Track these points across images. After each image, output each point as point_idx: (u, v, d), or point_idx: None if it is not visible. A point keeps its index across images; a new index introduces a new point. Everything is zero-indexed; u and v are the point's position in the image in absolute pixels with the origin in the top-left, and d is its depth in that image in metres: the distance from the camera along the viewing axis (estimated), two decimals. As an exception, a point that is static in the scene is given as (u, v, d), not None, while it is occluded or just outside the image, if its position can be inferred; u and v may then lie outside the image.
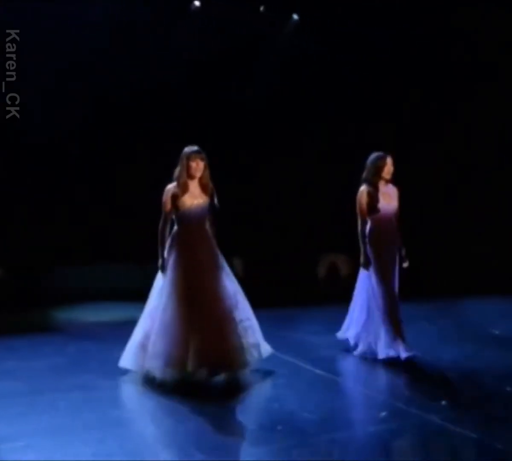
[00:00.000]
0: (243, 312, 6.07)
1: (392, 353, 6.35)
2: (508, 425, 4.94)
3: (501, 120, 10.91)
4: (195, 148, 6.10)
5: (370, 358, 6.47)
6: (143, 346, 5.95)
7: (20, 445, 4.60)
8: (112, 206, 10.15)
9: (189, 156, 6.04)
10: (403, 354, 6.35)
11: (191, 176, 6.07)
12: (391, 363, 6.35)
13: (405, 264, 6.60)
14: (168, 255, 6.02)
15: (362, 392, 5.85)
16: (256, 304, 6.24)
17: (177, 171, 6.10)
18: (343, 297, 7.07)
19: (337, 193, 10.49)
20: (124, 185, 10.19)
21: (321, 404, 5.36)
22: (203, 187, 6.13)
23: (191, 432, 4.81)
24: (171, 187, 6.11)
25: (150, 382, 5.80)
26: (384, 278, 6.47)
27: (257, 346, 6.10)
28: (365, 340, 6.58)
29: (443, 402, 5.35)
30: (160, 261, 6.04)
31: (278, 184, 11.14)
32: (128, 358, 6.09)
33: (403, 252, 6.61)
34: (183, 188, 6.06)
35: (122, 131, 10.05)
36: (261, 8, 10.54)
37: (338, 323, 6.98)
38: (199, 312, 5.83)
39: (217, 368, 5.81)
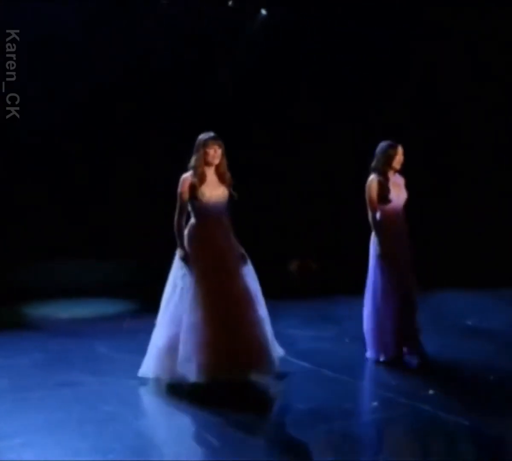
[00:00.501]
0: (263, 311, 5.77)
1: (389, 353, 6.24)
2: (497, 412, 5.10)
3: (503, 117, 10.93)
4: (211, 134, 5.75)
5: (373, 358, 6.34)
6: (169, 352, 5.57)
7: (17, 442, 4.61)
8: (88, 201, 10.06)
9: (206, 143, 5.70)
10: (413, 361, 6.23)
11: (208, 164, 5.72)
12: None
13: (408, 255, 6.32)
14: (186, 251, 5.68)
15: (350, 383, 5.88)
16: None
17: (193, 159, 5.74)
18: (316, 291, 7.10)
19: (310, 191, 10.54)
20: (101, 183, 10.12)
21: (313, 395, 5.45)
22: (221, 176, 5.78)
23: (191, 427, 4.86)
24: (187, 176, 5.74)
25: (173, 388, 5.57)
26: (395, 272, 6.23)
27: (274, 346, 5.82)
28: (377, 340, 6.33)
29: (431, 391, 5.47)
30: (181, 253, 5.67)
31: (252, 183, 11.09)
32: (152, 366, 5.70)
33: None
34: (201, 177, 5.70)
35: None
36: (230, 3, 10.53)
37: (315, 316, 7.03)
38: (226, 312, 5.54)
39: (248, 369, 5.59)
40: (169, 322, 5.64)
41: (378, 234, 6.26)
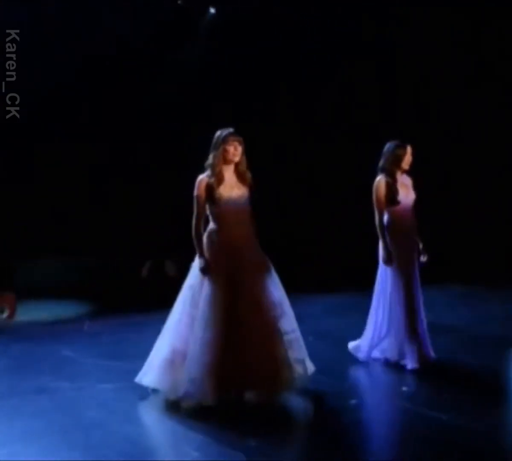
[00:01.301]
0: (288, 323, 5.26)
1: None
2: (474, 407, 5.19)
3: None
4: (231, 129, 5.25)
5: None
6: (172, 364, 5.18)
7: (2, 453, 4.46)
8: (41, 200, 9.87)
9: (226, 139, 5.18)
10: (409, 365, 6.05)
11: (228, 162, 5.23)
12: (345, 351, 6.38)
13: (424, 258, 6.18)
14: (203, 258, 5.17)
15: (325, 382, 5.76)
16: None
17: (210, 157, 5.24)
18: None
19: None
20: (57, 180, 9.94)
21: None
22: (240, 176, 5.27)
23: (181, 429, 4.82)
24: (204, 176, 5.23)
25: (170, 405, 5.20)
26: (404, 275, 6.04)
27: (302, 362, 5.33)
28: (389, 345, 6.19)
29: (404, 388, 5.56)
30: (202, 263, 5.14)
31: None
32: (152, 376, 5.30)
33: (421, 245, 6.21)
34: (219, 178, 5.19)
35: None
36: (179, 1, 10.48)
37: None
38: (242, 327, 5.06)
39: (260, 390, 5.10)
40: (175, 332, 5.24)
41: (383, 237, 6.06)
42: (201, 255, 5.19)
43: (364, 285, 6.65)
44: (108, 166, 10.15)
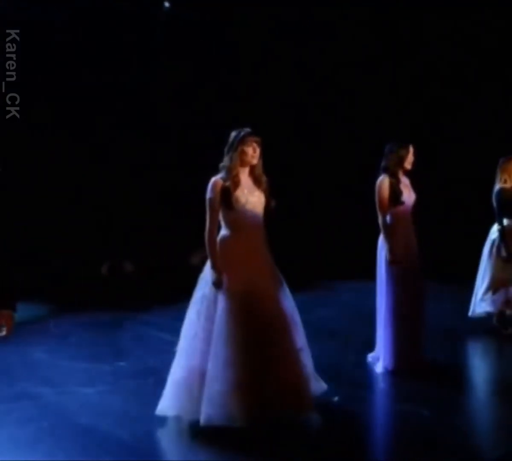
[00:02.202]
0: (301, 337, 4.97)
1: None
2: (451, 404, 5.34)
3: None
4: (248, 129, 4.87)
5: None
6: (188, 387, 4.76)
7: (0, 463, 4.42)
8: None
9: (244, 140, 4.81)
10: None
11: (244, 165, 4.86)
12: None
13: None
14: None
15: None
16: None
17: (226, 159, 4.86)
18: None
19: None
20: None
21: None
22: (256, 179, 4.91)
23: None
24: (218, 179, 4.83)
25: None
26: (405, 278, 5.93)
27: (317, 377, 5.10)
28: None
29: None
30: (215, 277, 4.75)
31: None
32: (167, 401, 4.85)
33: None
34: (235, 181, 4.80)
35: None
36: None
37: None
38: (262, 342, 4.71)
39: (285, 409, 4.78)
40: (191, 349, 4.81)
41: (388, 238, 5.94)
42: (214, 266, 4.80)
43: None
44: (65, 167, 10.03)
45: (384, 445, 4.87)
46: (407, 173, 6.17)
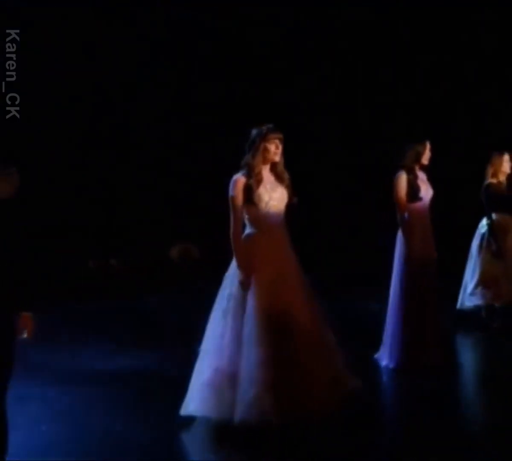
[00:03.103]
0: (330, 334, 4.85)
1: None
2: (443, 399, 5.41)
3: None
4: (270, 126, 4.77)
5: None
6: (216, 386, 4.63)
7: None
8: None
9: (267, 137, 4.71)
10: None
11: (267, 162, 4.77)
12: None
13: (434, 255, 6.05)
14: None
15: None
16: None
17: (247, 156, 4.77)
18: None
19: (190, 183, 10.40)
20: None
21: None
22: (278, 176, 4.83)
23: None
24: (240, 176, 4.74)
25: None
26: (421, 275, 5.88)
27: (348, 373, 4.88)
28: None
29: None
30: (242, 277, 4.66)
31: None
32: (195, 403, 4.72)
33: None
34: (258, 178, 4.72)
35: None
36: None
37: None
38: (294, 340, 4.63)
39: (316, 408, 4.64)
40: (218, 350, 4.68)
41: (407, 235, 5.91)
42: (241, 266, 4.70)
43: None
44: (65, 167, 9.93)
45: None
46: (424, 169, 6.15)
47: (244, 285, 4.68)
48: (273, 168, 4.84)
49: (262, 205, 4.74)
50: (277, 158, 4.80)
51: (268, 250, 4.75)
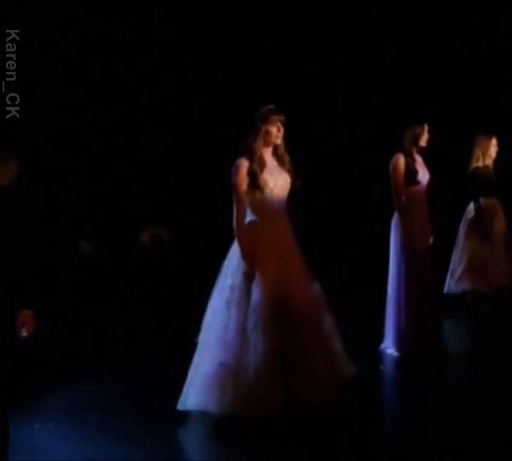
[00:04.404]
0: (330, 322, 4.72)
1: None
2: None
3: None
4: (272, 107, 4.57)
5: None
6: (222, 381, 4.41)
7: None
8: None
9: (268, 118, 4.50)
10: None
11: (268, 145, 4.56)
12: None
13: (431, 240, 5.98)
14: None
15: None
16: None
17: (249, 139, 4.55)
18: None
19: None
20: None
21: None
22: (280, 159, 4.62)
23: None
24: (243, 160, 4.50)
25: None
26: (417, 261, 5.78)
27: (343, 357, 4.75)
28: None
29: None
30: (247, 267, 4.45)
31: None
32: (195, 398, 4.49)
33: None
34: (261, 162, 4.48)
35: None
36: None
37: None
38: (300, 330, 4.49)
39: (318, 397, 4.52)
40: (221, 342, 4.48)
41: (404, 220, 5.79)
42: (245, 256, 4.48)
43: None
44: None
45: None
46: (421, 152, 6.00)
47: (251, 277, 4.47)
48: (275, 151, 4.63)
49: (267, 190, 4.51)
50: (279, 141, 4.58)
51: (271, 238, 4.55)
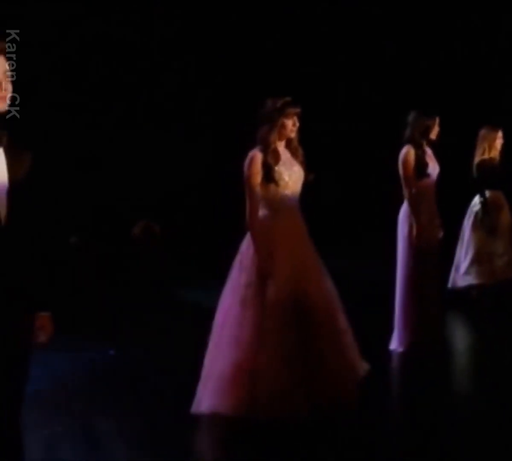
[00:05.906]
0: (344, 318, 4.52)
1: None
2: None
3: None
4: (288, 99, 4.37)
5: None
6: (234, 380, 4.20)
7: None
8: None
9: (285, 111, 4.31)
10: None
11: (282, 138, 4.39)
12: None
13: (440, 234, 5.80)
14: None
15: None
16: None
17: (262, 130, 4.35)
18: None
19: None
20: None
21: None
22: (294, 152, 4.44)
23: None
24: (258, 152, 4.31)
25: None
26: (426, 255, 5.59)
27: (357, 355, 4.56)
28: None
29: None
30: (263, 264, 4.25)
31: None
32: (209, 400, 4.27)
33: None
34: (275, 155, 4.31)
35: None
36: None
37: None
38: (316, 329, 4.31)
39: (336, 396, 4.34)
40: (235, 341, 4.27)
41: (414, 212, 5.59)
42: (261, 252, 4.28)
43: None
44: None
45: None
46: (431, 144, 5.79)
47: (267, 273, 4.28)
48: (288, 144, 4.46)
49: (282, 183, 4.32)
50: (293, 134, 4.41)
51: (285, 233, 4.37)
